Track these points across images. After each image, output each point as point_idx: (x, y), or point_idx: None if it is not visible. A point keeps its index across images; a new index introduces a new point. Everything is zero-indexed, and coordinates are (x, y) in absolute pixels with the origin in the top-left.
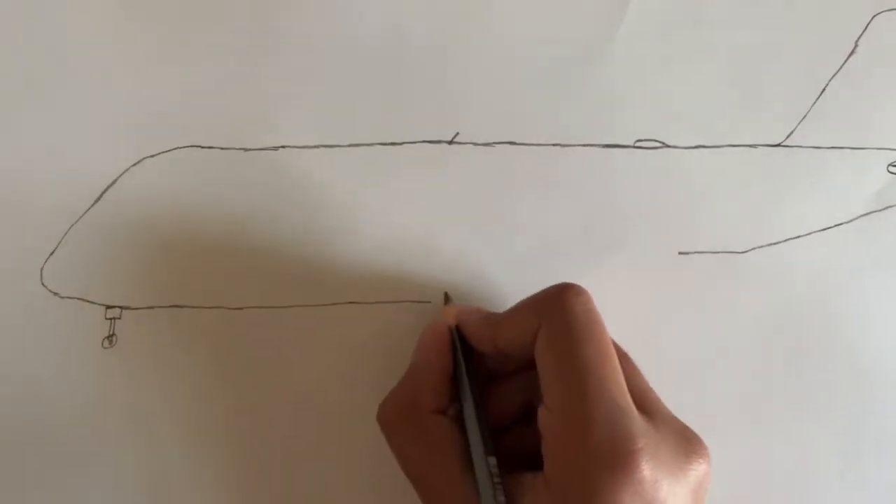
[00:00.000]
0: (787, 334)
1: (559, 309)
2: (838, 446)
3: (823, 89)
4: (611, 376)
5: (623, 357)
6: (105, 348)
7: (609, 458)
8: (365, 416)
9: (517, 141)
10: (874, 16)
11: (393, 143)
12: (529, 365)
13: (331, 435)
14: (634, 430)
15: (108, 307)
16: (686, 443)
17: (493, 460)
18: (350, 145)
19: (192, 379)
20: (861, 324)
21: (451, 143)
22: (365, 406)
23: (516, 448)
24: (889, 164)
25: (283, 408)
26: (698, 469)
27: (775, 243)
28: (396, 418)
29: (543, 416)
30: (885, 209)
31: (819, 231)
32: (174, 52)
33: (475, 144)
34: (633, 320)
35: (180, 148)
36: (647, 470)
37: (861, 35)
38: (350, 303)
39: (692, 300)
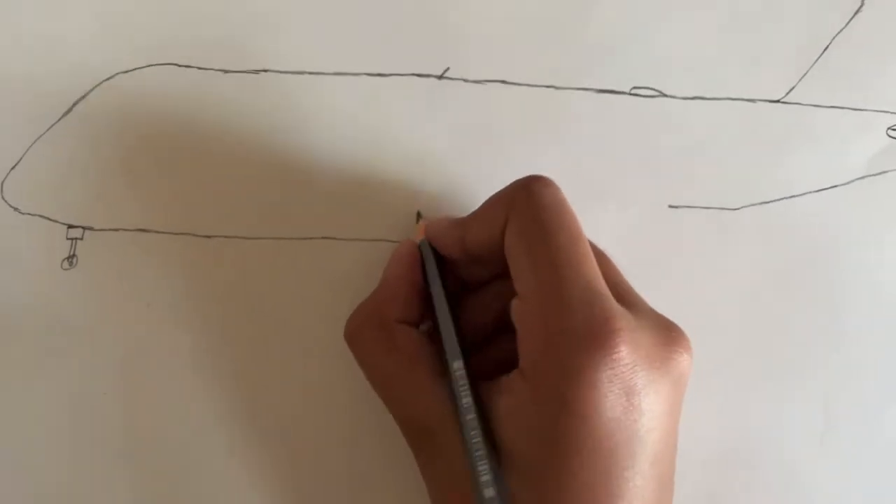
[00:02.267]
0: (773, 295)
1: (527, 199)
2: (819, 410)
3: (827, 46)
4: (584, 261)
5: (599, 254)
6: (65, 270)
7: (586, 340)
8: (334, 353)
9: (509, 80)
10: None
11: (380, 74)
12: (504, 272)
13: (298, 369)
14: (612, 311)
15: (70, 227)
16: (666, 333)
17: (462, 365)
18: (335, 73)
19: (153, 306)
20: (847, 290)
21: (440, 77)
22: (334, 344)
23: (497, 360)
24: (889, 128)
25: (250, 341)
26: (679, 360)
27: (769, 202)
28: (362, 327)
29: (517, 308)
30: (881, 174)
31: (814, 192)
32: None
33: (466, 81)
34: None
35: (157, 65)
36: (625, 352)
37: None
38: (325, 238)
39: (680, 254)
